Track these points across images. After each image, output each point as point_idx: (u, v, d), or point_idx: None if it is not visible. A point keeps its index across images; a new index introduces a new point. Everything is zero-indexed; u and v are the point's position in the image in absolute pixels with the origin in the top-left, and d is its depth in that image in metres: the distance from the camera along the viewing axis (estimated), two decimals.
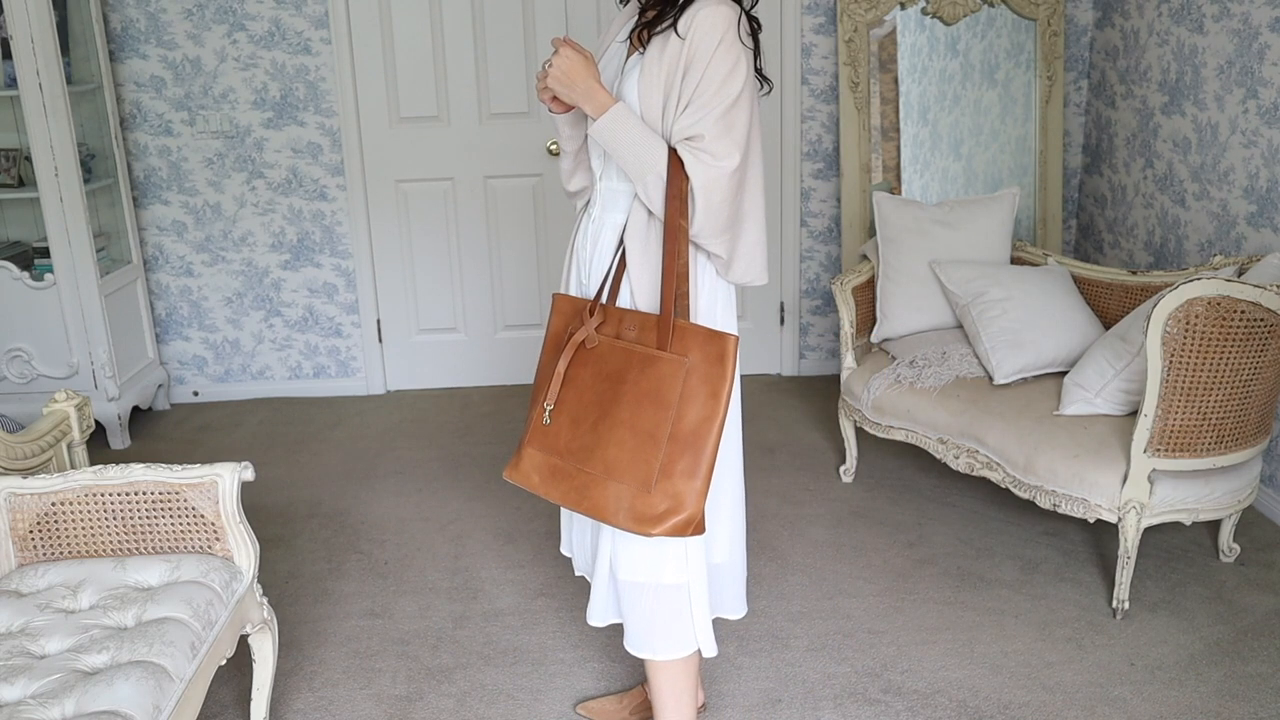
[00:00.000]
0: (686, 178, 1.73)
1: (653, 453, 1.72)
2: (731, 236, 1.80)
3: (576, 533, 2.18)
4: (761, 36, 1.83)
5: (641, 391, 1.74)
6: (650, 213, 1.81)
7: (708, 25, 1.70)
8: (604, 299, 1.86)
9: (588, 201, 2.01)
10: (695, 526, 1.73)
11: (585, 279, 1.95)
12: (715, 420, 1.71)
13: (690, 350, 1.73)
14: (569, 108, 1.87)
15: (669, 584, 1.91)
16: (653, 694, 2.06)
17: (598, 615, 2.02)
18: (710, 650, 1.98)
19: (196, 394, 4.37)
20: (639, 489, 1.72)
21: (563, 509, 2.22)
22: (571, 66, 1.75)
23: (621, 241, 1.86)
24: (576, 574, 2.23)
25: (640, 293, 1.83)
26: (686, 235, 1.77)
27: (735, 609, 2.12)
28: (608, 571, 1.96)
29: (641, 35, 1.79)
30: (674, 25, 1.73)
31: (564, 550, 2.26)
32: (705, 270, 1.87)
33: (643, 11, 1.81)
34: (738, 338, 1.75)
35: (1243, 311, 2.37)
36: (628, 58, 1.85)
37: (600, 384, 1.79)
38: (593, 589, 2.02)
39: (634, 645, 1.98)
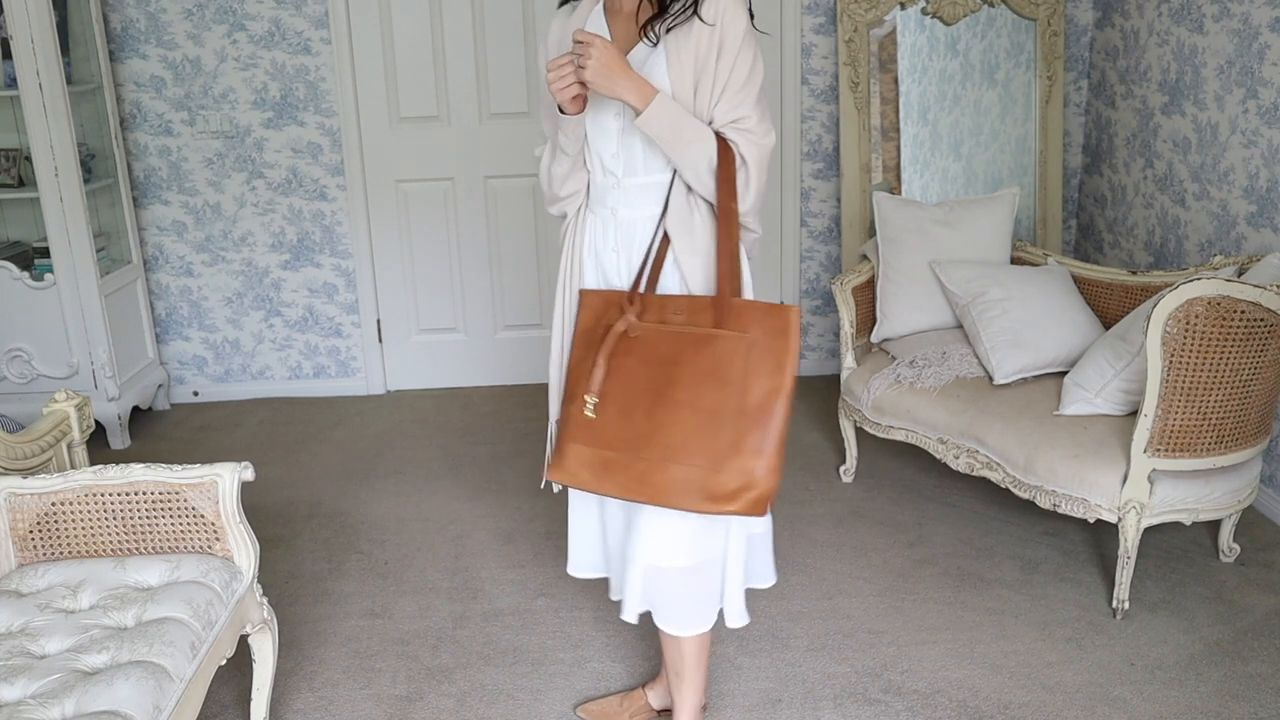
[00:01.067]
0: (732, 160, 1.78)
1: (718, 430, 1.73)
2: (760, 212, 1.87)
3: (614, 548, 2.10)
4: (761, 37, 1.87)
5: (700, 371, 1.75)
6: (688, 199, 1.84)
7: (734, 11, 1.77)
8: (641, 288, 1.87)
9: (579, 205, 1.99)
10: (769, 503, 1.75)
11: (620, 281, 1.94)
12: (782, 392, 1.73)
13: (750, 326, 1.75)
14: (583, 107, 1.84)
15: (710, 560, 1.94)
16: (676, 669, 2.06)
17: (632, 609, 1.99)
18: (744, 619, 2.01)
19: (196, 394, 4.37)
20: (708, 468, 1.73)
21: (574, 532, 2.15)
22: (611, 58, 1.73)
23: (660, 232, 1.86)
24: (614, 598, 2.15)
25: (694, 278, 1.85)
26: (737, 216, 1.80)
27: (767, 578, 2.14)
28: (644, 565, 1.93)
29: (651, 27, 1.79)
30: (696, 14, 1.76)
31: (580, 573, 2.18)
32: (741, 249, 1.91)
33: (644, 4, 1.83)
34: (800, 309, 1.78)
35: (1243, 311, 2.37)
36: (626, 51, 1.86)
37: (650, 370, 1.79)
38: (626, 585, 1.98)
39: (676, 625, 1.97)
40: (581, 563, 2.18)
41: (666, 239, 1.87)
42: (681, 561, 1.92)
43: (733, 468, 1.73)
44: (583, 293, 1.94)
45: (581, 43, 1.72)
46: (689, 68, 1.78)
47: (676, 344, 1.79)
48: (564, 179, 1.96)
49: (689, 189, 1.86)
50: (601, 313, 1.88)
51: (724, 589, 2.00)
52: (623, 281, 1.94)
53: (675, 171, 1.86)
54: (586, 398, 1.82)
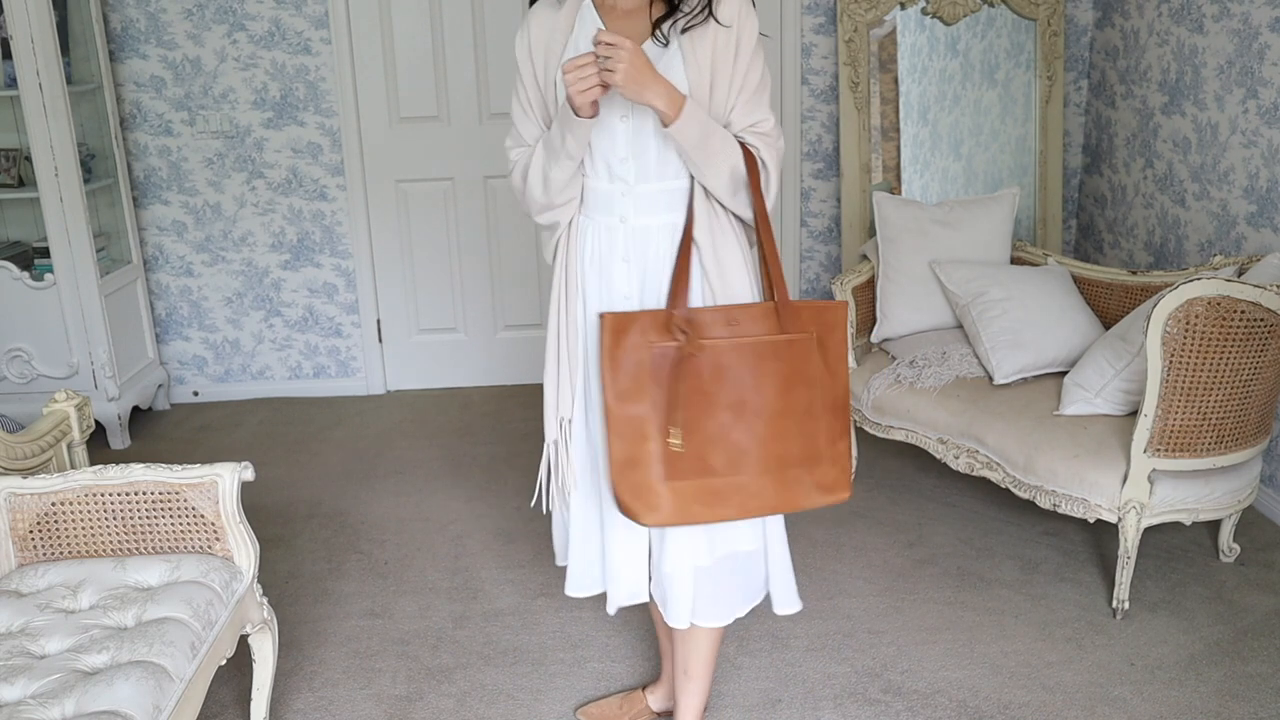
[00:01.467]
0: (756, 165, 1.79)
1: (816, 428, 1.80)
2: None
3: (623, 561, 2.00)
4: (761, 37, 1.85)
5: (787, 377, 1.77)
6: (709, 205, 1.83)
7: (748, 14, 1.78)
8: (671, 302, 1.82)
9: (573, 213, 1.92)
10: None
11: (630, 290, 1.86)
12: (847, 381, 1.83)
13: (811, 325, 1.79)
14: (598, 110, 1.73)
15: (755, 550, 1.97)
16: (685, 667, 2.06)
17: (686, 614, 1.94)
18: (795, 605, 2.03)
19: (196, 394, 4.37)
20: (818, 465, 1.80)
21: (576, 553, 2.05)
22: (642, 63, 1.65)
23: (688, 240, 1.82)
24: (621, 605, 2.01)
25: (724, 285, 1.84)
26: (768, 219, 1.83)
27: None
28: (692, 567, 1.91)
29: (661, 28, 1.76)
30: (712, 15, 1.75)
31: (581, 593, 2.06)
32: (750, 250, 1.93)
33: (653, 2, 1.80)
34: (847, 303, 1.81)
35: (1243, 311, 2.37)
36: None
37: (728, 387, 1.75)
38: (677, 593, 1.92)
39: (716, 616, 1.97)
40: (583, 583, 2.07)
41: (689, 247, 1.82)
42: (742, 546, 1.95)
43: (832, 458, 1.81)
44: (604, 316, 1.78)
45: (607, 44, 1.62)
46: (705, 69, 1.75)
47: (750, 354, 1.76)
48: (564, 185, 1.83)
49: (707, 194, 1.83)
50: (639, 337, 1.76)
51: (770, 576, 2.00)
52: (631, 292, 1.86)
53: (692, 176, 1.82)
54: (672, 430, 1.74)
